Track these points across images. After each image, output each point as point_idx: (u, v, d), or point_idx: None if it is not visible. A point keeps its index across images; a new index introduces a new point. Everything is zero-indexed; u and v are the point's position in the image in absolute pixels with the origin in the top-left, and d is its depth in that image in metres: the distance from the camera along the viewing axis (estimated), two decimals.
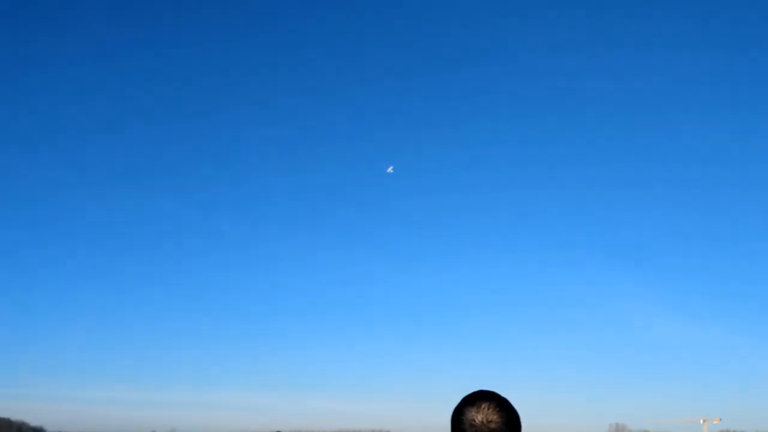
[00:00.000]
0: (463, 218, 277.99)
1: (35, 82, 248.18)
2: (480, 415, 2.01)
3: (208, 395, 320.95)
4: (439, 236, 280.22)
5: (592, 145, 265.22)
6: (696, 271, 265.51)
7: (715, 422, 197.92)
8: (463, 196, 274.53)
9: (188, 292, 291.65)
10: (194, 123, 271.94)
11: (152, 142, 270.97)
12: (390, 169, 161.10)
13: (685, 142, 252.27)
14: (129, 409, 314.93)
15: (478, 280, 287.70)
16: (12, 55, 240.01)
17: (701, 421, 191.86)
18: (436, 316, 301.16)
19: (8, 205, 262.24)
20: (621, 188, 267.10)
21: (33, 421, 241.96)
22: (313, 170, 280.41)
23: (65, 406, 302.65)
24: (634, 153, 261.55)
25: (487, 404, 2.03)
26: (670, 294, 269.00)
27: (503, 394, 2.12)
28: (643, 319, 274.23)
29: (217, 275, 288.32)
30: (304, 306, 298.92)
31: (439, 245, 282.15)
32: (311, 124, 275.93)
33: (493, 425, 1.99)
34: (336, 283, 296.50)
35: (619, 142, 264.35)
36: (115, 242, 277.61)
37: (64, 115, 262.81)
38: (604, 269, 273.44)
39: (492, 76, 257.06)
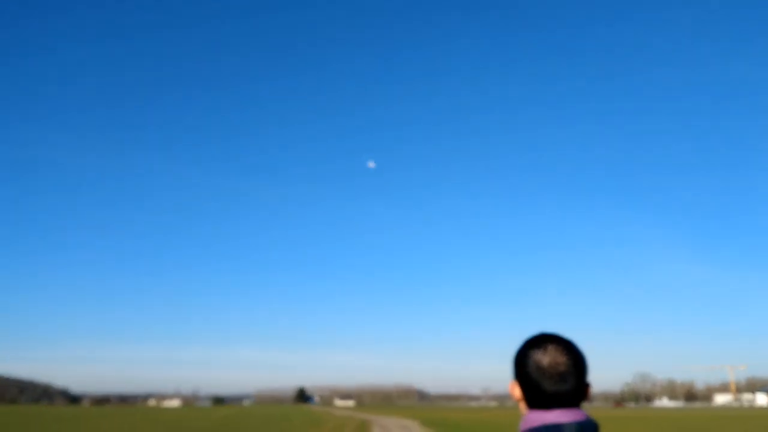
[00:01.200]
0: (479, 167, 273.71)
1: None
2: (547, 358, 1.91)
3: (229, 354, 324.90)
4: (454, 187, 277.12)
5: (611, 86, 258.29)
6: (722, 217, 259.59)
7: (741, 369, 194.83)
8: (475, 143, 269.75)
9: (208, 252, 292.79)
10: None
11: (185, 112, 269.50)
12: (371, 164, 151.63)
13: (712, 80, 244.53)
14: (152, 369, 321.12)
15: (497, 231, 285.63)
16: None
17: (727, 368, 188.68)
18: (457, 270, 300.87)
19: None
20: (642, 133, 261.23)
21: (58, 383, 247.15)
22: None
23: (89, 367, 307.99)
24: (655, 94, 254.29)
25: (554, 346, 1.93)
26: (696, 240, 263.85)
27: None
28: (668, 266, 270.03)
29: (236, 234, 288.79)
30: (324, 263, 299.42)
31: (454, 198, 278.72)
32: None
33: (561, 368, 1.89)
34: (357, 242, 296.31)
35: (639, 84, 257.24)
36: (138, 206, 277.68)
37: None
38: (627, 216, 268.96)
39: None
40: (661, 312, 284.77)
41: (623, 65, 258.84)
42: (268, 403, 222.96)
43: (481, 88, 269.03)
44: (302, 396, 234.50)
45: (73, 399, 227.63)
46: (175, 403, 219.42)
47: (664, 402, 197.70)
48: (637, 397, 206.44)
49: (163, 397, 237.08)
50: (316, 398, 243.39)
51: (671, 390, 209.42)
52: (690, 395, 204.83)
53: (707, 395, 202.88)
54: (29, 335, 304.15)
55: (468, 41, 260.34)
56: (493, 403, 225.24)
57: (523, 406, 2.00)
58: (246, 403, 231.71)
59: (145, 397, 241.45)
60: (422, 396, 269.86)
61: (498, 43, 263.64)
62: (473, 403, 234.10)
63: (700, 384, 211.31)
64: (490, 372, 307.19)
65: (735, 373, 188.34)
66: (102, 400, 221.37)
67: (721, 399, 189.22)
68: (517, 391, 2.00)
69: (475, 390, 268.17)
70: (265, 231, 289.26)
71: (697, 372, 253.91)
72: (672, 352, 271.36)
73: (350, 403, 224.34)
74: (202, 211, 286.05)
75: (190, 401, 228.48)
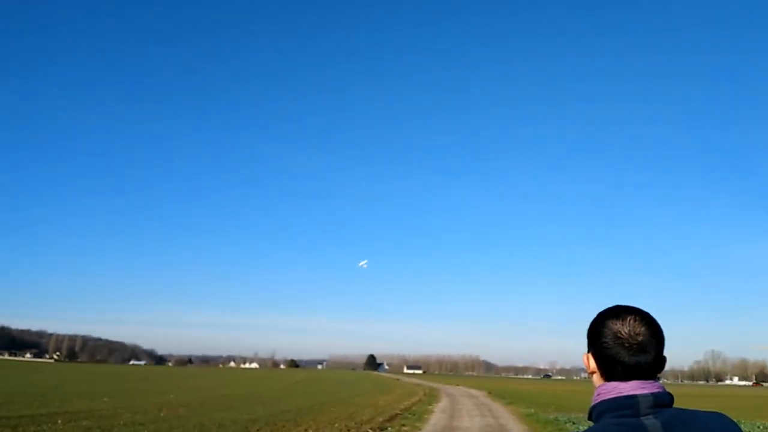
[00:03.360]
0: (549, 147, 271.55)
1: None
2: (626, 328, 1.84)
3: (305, 321, 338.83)
4: (525, 169, 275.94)
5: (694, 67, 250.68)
6: None
7: None
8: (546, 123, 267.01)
9: (289, 228, 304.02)
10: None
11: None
12: (363, 264, 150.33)
13: None
14: (233, 333, 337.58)
15: (570, 206, 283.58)
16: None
17: None
18: (526, 245, 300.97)
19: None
20: (716, 105, 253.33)
21: (145, 345, 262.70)
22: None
23: (174, 330, 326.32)
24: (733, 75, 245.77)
25: (633, 317, 1.87)
26: None
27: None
28: (743, 244, 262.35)
29: (312, 209, 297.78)
30: (394, 240, 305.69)
31: (524, 172, 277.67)
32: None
33: (640, 338, 1.83)
34: (425, 219, 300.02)
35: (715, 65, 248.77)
36: (227, 184, 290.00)
37: None
38: (701, 193, 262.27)
39: None
40: (735, 291, 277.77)
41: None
42: (340, 368, 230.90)
43: None
44: (372, 363, 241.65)
45: (159, 360, 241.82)
46: (253, 365, 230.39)
47: (735, 382, 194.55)
48: (707, 375, 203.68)
49: (242, 359, 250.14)
50: (386, 365, 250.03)
51: (742, 369, 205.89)
52: (762, 375, 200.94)
53: None
54: (120, 300, 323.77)
55: None
56: (560, 377, 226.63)
57: (597, 378, 1.94)
58: (319, 368, 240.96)
59: (226, 360, 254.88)
60: (489, 367, 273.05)
61: None
62: (540, 377, 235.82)
63: None
64: (558, 346, 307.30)
65: None
66: (185, 361, 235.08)
67: None
68: (591, 363, 1.95)
69: (542, 364, 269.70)
70: (341, 210, 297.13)
71: None
72: (745, 332, 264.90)
73: (418, 371, 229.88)
74: (291, 192, 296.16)
75: (267, 364, 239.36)
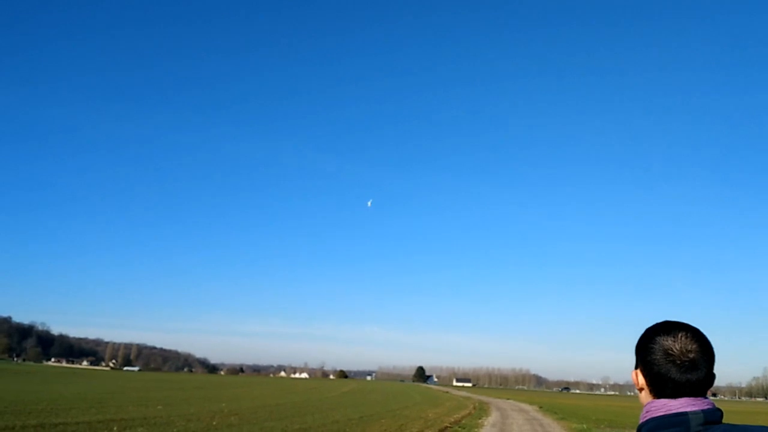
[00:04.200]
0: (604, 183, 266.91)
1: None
2: (677, 344, 1.82)
3: (354, 331, 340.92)
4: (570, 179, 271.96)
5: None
6: None
7: None
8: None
9: (337, 238, 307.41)
10: None
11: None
12: (369, 203, 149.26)
13: None
14: (283, 343, 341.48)
15: (621, 224, 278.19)
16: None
17: None
18: (580, 259, 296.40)
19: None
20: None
21: (198, 353, 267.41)
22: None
23: (226, 339, 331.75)
24: None
25: (684, 333, 1.85)
26: None
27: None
28: None
29: (363, 222, 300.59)
30: (446, 252, 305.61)
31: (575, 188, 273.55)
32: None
33: (692, 355, 1.81)
34: (476, 234, 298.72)
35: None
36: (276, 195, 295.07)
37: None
38: (761, 208, 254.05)
39: None
40: None
41: None
42: (388, 380, 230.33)
43: None
44: (421, 375, 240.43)
45: (212, 368, 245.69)
46: (303, 375, 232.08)
47: None
48: (766, 392, 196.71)
49: (292, 369, 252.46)
50: (435, 378, 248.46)
51: None
52: None
53: None
54: (174, 310, 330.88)
55: None
56: (612, 393, 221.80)
57: (645, 395, 1.94)
58: (368, 379, 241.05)
59: (276, 370, 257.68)
60: (539, 381, 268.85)
61: None
62: (592, 392, 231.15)
63: None
64: (610, 361, 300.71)
65: None
66: (237, 371, 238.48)
67: None
68: (640, 380, 1.93)
69: (594, 379, 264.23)
70: (392, 222, 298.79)
71: None
72: None
73: (467, 384, 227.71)
74: (343, 205, 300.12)
75: (316, 374, 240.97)
